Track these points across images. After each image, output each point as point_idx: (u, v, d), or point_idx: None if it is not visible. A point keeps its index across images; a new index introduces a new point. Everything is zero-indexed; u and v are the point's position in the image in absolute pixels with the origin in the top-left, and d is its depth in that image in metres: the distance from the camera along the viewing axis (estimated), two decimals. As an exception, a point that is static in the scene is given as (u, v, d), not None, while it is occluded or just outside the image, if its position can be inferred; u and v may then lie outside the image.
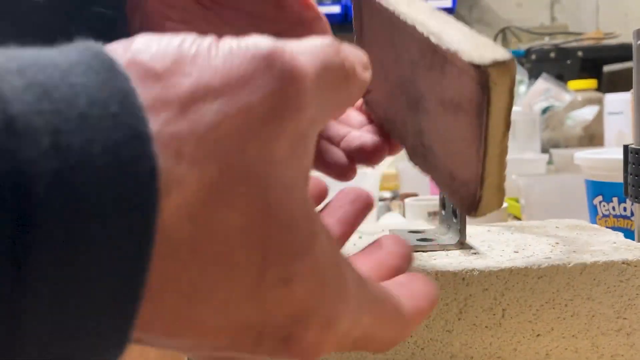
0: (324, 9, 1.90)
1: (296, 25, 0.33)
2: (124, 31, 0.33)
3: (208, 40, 0.17)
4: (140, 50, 0.16)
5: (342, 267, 0.20)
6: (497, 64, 0.24)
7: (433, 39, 0.26)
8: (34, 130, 0.13)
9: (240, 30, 0.23)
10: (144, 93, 0.15)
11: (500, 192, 0.28)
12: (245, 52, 0.17)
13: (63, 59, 0.14)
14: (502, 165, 0.27)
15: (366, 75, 0.22)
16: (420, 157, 0.33)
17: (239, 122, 0.16)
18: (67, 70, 0.14)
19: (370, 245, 0.27)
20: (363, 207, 0.31)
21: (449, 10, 2.25)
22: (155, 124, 0.15)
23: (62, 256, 0.13)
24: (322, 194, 0.32)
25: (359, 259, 0.26)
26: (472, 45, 0.25)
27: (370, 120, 0.37)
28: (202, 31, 0.19)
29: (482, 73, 0.24)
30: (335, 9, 2.08)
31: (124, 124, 0.14)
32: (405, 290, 0.24)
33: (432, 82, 0.27)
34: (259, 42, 0.17)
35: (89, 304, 0.14)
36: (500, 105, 0.25)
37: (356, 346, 0.21)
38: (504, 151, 0.27)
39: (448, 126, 0.28)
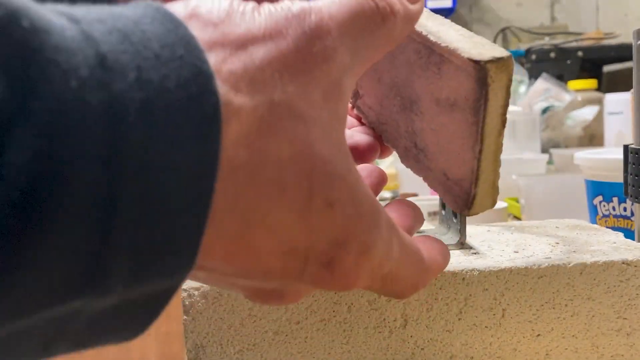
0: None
1: None
2: None
3: (252, 3, 0.20)
4: (199, 5, 0.19)
5: (375, 203, 0.22)
6: (496, 61, 0.24)
7: (432, 38, 0.26)
8: (121, 66, 0.15)
9: None
10: (204, 38, 0.18)
11: (494, 190, 0.28)
12: (281, 13, 0.20)
13: (131, 12, 0.16)
14: (496, 162, 0.28)
15: (413, 7, 0.23)
16: (413, 159, 0.33)
17: (279, 66, 0.19)
18: (137, 21, 0.16)
19: (384, 207, 0.28)
20: (377, 182, 0.32)
21: (449, 10, 2.25)
22: (215, 62, 0.17)
23: (147, 172, 0.15)
24: (382, 181, 0.33)
25: None
26: (471, 44, 0.25)
27: (361, 123, 0.37)
28: None
29: (480, 69, 0.24)
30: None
31: (190, 64, 0.16)
32: (423, 245, 0.26)
33: (427, 81, 0.27)
34: (291, 6, 0.20)
35: (167, 218, 0.16)
36: (498, 103, 0.25)
37: (384, 284, 0.23)
38: (499, 149, 0.27)
39: (443, 125, 0.29)
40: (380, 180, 0.32)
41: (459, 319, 0.36)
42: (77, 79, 0.14)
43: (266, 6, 0.20)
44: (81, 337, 0.16)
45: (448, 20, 0.28)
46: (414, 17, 0.24)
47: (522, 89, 1.63)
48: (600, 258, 0.36)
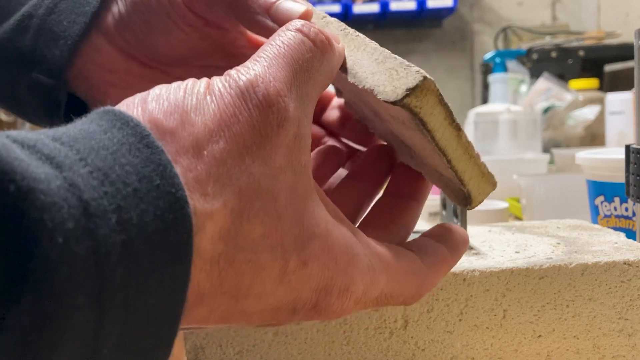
0: (324, 8, 1.90)
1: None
2: (63, 98, 0.34)
3: (203, 84, 0.21)
4: (154, 109, 0.20)
5: (350, 241, 0.23)
6: (412, 91, 0.24)
7: (350, 79, 0.26)
8: (103, 210, 0.16)
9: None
10: (170, 150, 0.19)
11: (486, 177, 0.28)
12: (231, 92, 0.21)
13: (109, 140, 0.18)
14: (472, 158, 0.27)
15: (338, 46, 0.25)
16: (407, 155, 0.32)
17: (240, 151, 0.20)
18: (116, 152, 0.17)
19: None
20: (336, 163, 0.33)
21: (450, 10, 2.25)
22: (181, 174, 0.19)
23: (128, 302, 0.17)
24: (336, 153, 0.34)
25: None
26: (386, 75, 0.25)
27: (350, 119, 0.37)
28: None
29: (402, 106, 0.24)
30: (336, 8, 2.08)
31: (166, 192, 0.18)
32: (429, 246, 0.27)
33: (375, 100, 0.26)
34: (238, 80, 0.21)
35: (147, 335, 0.18)
36: (437, 120, 0.25)
37: (379, 303, 0.25)
38: (467, 148, 0.26)
39: (408, 135, 0.28)
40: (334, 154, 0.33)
41: (460, 320, 0.35)
42: (63, 233, 0.15)
43: (215, 85, 0.21)
44: None
45: (360, 38, 0.27)
46: (342, 52, 0.26)
47: (524, 88, 1.63)
48: (602, 258, 0.36)
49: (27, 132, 0.17)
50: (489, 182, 0.28)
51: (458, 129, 0.25)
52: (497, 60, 1.77)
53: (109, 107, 0.19)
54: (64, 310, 0.15)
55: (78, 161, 0.17)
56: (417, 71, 0.24)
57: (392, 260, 0.25)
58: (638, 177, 0.47)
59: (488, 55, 1.84)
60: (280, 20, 0.30)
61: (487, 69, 1.92)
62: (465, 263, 0.36)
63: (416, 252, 0.26)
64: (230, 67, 0.22)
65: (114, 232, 0.16)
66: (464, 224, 0.39)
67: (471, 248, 0.40)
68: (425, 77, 0.24)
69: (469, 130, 1.44)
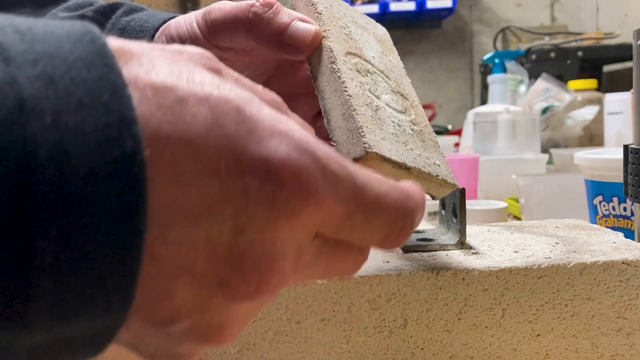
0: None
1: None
2: None
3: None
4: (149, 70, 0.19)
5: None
6: (358, 160, 0.29)
7: (325, 124, 0.31)
8: (40, 110, 0.16)
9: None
10: (126, 75, 0.18)
11: (443, 185, 0.33)
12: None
13: (69, 51, 0.17)
14: (425, 180, 0.32)
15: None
16: None
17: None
18: (72, 64, 0.17)
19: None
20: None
21: (449, 10, 2.25)
22: (136, 100, 0.18)
23: (62, 208, 0.16)
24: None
25: None
26: (345, 137, 0.30)
27: None
28: None
29: (364, 163, 0.29)
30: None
31: (113, 110, 0.17)
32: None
33: None
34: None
35: (90, 256, 0.16)
36: (387, 170, 0.29)
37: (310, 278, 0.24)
38: (419, 177, 0.31)
39: None
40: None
41: (459, 319, 0.36)
42: None
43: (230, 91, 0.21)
44: None
45: (341, 80, 0.31)
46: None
47: (522, 88, 1.63)
48: (600, 258, 0.36)
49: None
50: (448, 186, 0.33)
51: (407, 169, 0.30)
52: (496, 60, 1.78)
53: (90, 25, 0.19)
54: None
55: (30, 62, 0.16)
56: (364, 143, 0.29)
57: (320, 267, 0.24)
58: (636, 177, 0.47)
59: (487, 56, 1.84)
60: (295, 40, 0.35)
61: (486, 69, 1.93)
62: (465, 262, 0.36)
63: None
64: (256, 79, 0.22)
65: (46, 132, 0.16)
66: (463, 224, 0.40)
67: (470, 247, 0.40)
68: (367, 152, 0.29)
69: (468, 131, 1.44)
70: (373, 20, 0.43)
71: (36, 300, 0.16)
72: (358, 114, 0.30)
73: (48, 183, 0.16)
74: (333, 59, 0.33)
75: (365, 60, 0.35)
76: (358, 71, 0.33)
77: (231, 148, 0.19)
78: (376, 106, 0.32)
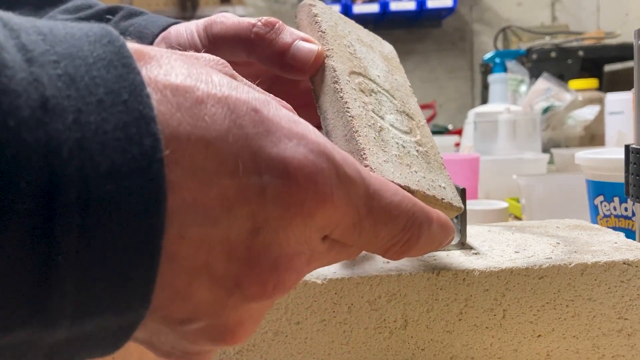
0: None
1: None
2: None
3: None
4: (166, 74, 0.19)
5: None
6: None
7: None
8: (62, 109, 0.16)
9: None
10: (145, 75, 0.18)
11: (449, 208, 0.31)
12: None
13: (89, 51, 0.18)
14: (430, 203, 0.30)
15: None
16: None
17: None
18: (92, 64, 0.17)
19: None
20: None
21: (450, 10, 2.25)
22: (155, 101, 0.18)
23: (86, 204, 0.16)
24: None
25: None
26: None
27: None
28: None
29: None
30: (335, 9, 2.08)
31: (133, 109, 0.17)
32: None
33: None
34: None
35: (114, 252, 0.17)
36: None
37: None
38: (424, 199, 0.30)
39: None
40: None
41: (460, 320, 0.35)
42: (16, 118, 0.15)
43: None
44: None
45: (343, 100, 0.31)
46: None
47: (523, 88, 1.63)
48: (602, 258, 0.36)
49: (18, 16, 0.18)
50: (453, 210, 0.32)
51: (411, 192, 0.29)
52: (497, 60, 1.77)
53: (108, 27, 0.19)
54: (5, 193, 0.15)
55: (52, 62, 0.17)
56: (366, 166, 0.28)
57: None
58: (637, 177, 0.47)
59: (488, 56, 1.84)
60: (297, 60, 0.35)
61: (487, 69, 1.93)
62: (465, 263, 0.36)
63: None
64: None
65: (69, 130, 0.16)
66: (463, 224, 0.39)
67: (471, 248, 0.40)
68: None
69: (468, 130, 1.44)
70: (379, 38, 0.42)
71: (59, 297, 0.16)
72: (360, 136, 0.29)
73: (70, 180, 0.16)
74: (336, 79, 0.32)
75: (370, 79, 0.35)
76: (362, 91, 0.33)
77: (249, 148, 0.19)
78: (380, 127, 0.31)
